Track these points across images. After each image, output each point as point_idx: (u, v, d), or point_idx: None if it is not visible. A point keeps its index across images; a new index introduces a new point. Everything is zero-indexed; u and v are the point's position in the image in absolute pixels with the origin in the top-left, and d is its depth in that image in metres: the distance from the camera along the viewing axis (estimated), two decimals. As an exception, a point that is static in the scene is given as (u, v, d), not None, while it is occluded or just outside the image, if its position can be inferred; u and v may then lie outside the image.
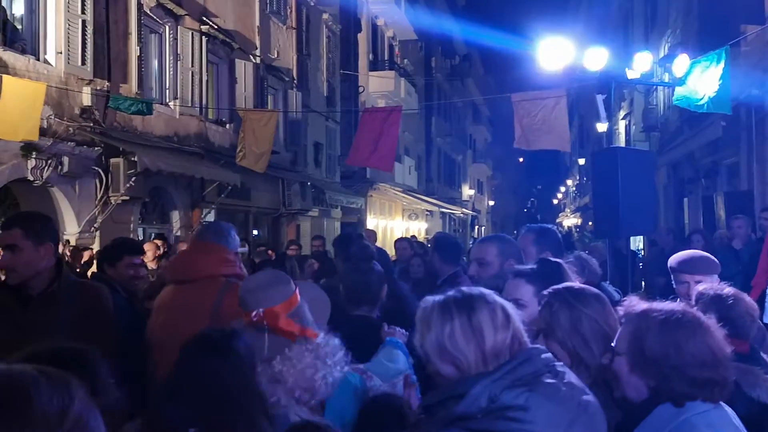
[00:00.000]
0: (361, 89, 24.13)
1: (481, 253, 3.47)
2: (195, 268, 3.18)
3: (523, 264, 2.98)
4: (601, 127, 26.52)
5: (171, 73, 12.92)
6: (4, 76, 8.34)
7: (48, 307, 2.92)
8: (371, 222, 24.70)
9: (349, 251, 5.52)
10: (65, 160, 9.79)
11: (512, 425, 1.56)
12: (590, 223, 28.68)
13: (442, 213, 37.08)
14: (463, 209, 42.99)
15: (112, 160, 10.69)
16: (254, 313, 2.22)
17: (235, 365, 1.93)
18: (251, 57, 15.71)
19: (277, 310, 2.22)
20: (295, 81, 18.13)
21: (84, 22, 10.31)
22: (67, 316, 2.90)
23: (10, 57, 9.14)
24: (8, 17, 9.42)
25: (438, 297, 1.79)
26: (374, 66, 26.08)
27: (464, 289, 1.81)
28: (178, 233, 12.74)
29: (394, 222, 29.47)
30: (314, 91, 19.99)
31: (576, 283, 2.40)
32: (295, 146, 18.04)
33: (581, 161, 44.46)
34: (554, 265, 2.69)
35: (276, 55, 17.09)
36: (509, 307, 1.77)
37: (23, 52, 9.43)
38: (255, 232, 16.79)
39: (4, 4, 9.27)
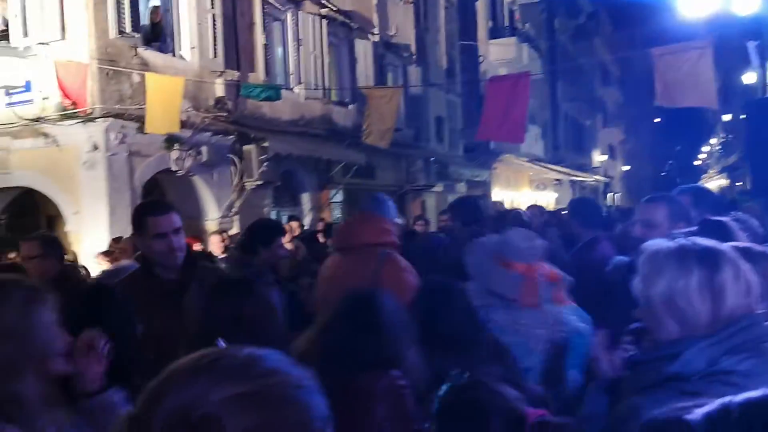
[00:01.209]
0: (481, 59, 23.69)
1: (649, 213, 3.26)
2: (355, 236, 3.32)
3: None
4: (750, 77, 24.38)
5: (294, 58, 13.34)
6: (147, 74, 9.00)
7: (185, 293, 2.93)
8: (497, 195, 24.36)
9: (467, 215, 5.31)
10: (203, 149, 10.42)
11: (730, 391, 1.49)
12: (738, 183, 26.60)
13: (572, 181, 35.83)
14: (595, 176, 41.31)
15: (245, 147, 11.25)
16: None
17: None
18: (369, 36, 15.87)
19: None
20: (414, 56, 18.11)
21: (213, 16, 10.86)
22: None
23: (150, 55, 9.84)
24: (148, 19, 10.13)
25: (670, 243, 1.65)
26: (494, 34, 25.47)
27: (703, 241, 1.65)
28: (309, 215, 13.23)
29: (521, 194, 28.88)
30: (433, 64, 19.87)
31: (742, 242, 2.26)
32: (417, 122, 18.08)
33: (726, 117, 41.19)
34: (718, 224, 2.55)
35: (394, 32, 17.14)
36: (750, 270, 1.61)
37: (161, 50, 10.11)
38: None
39: (140, 6, 9.97)
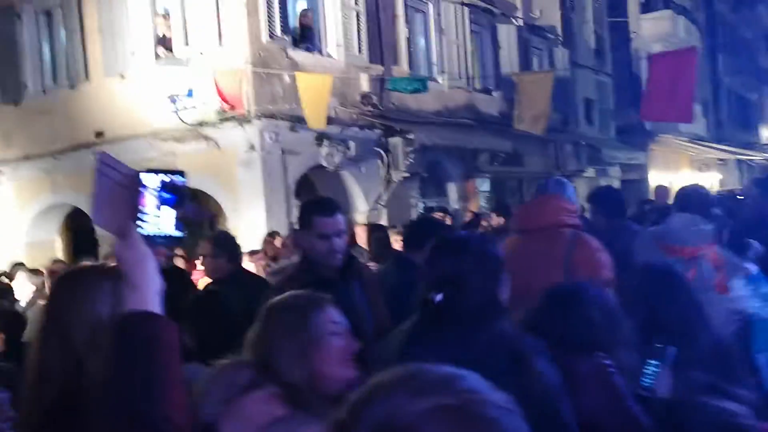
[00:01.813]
0: (632, 35, 22.30)
1: None
2: (539, 217, 3.23)
3: None
4: None
5: (437, 48, 13.26)
6: (297, 74, 9.31)
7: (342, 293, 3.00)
8: (654, 178, 22.86)
9: (611, 207, 4.86)
10: (351, 144, 10.64)
11: None
12: None
13: (738, 161, 32.91)
14: (764, 154, 37.65)
15: (391, 140, 11.34)
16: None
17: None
18: (513, 20, 15.44)
19: None
20: (560, 38, 17.40)
21: (357, 13, 11.03)
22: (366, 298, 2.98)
23: (299, 56, 10.18)
24: (297, 21, 10.49)
25: None
26: (646, 7, 23.86)
27: None
28: (456, 205, 13.12)
29: (681, 176, 26.91)
30: (581, 45, 18.99)
31: None
32: (565, 105, 17.35)
33: None
34: None
35: (538, 14, 16.55)
36: None
37: (309, 50, 10.43)
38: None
39: (289, 8, 10.33)
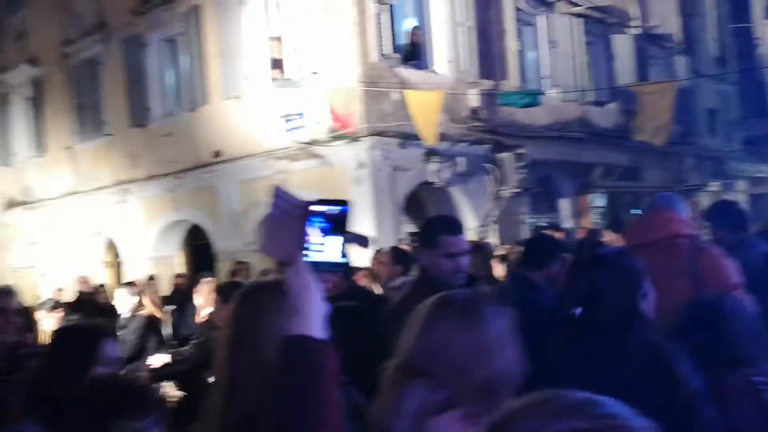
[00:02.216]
0: (757, 41, 20.88)
1: None
2: (652, 229, 3.17)
3: None
4: None
5: (547, 61, 12.93)
6: (407, 91, 9.33)
7: None
8: (786, 192, 21.15)
9: (729, 220, 4.47)
10: (460, 160, 10.52)
11: None
12: None
13: None
14: None
15: (501, 155, 11.13)
16: None
17: None
18: (628, 29, 14.82)
19: None
20: (679, 46, 16.53)
21: (467, 28, 10.95)
22: None
23: (408, 73, 10.22)
24: (406, 38, 10.54)
25: None
26: (774, 11, 22.30)
27: None
28: (568, 222, 12.67)
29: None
30: (702, 53, 17.97)
31: None
32: (686, 116, 16.40)
33: None
34: None
35: (657, 22, 15.82)
36: None
37: (417, 67, 10.45)
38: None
39: (397, 27, 10.40)
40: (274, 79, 10.54)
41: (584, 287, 2.04)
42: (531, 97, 10.55)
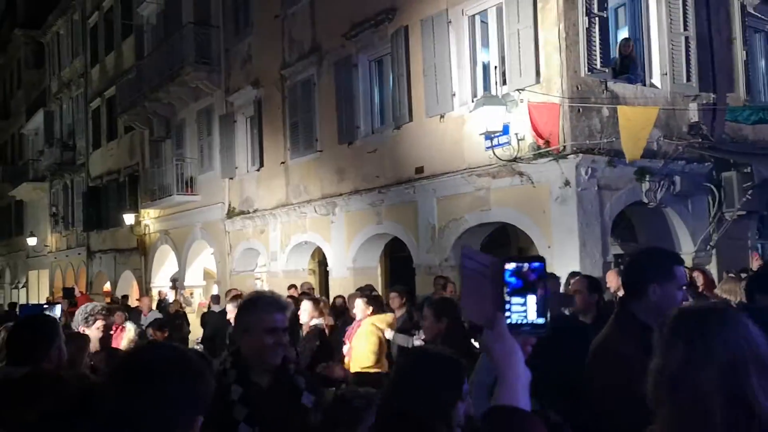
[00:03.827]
0: None
1: None
2: None
3: None
4: None
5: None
6: (619, 107, 8.87)
7: None
8: None
9: None
10: (676, 179, 9.78)
11: None
12: None
13: None
14: None
15: (724, 174, 10.17)
16: None
17: None
18: None
19: None
20: None
21: (686, 38, 10.19)
22: None
23: (619, 88, 9.71)
24: (617, 52, 10.03)
25: None
26: None
27: None
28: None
29: None
30: None
31: None
32: None
33: None
34: None
35: None
36: None
37: (630, 81, 9.88)
38: None
39: (610, 40, 9.92)
40: (478, 96, 10.57)
41: None
42: (763, 113, 9.49)
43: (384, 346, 7.28)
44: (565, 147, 9.38)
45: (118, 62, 23.61)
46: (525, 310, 1.29)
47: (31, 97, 32.56)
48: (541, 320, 1.29)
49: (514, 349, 1.26)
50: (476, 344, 4.82)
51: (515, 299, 1.29)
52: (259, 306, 2.60)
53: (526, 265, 1.31)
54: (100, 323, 4.70)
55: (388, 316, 7.51)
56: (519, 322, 1.29)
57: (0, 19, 37.96)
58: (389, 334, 7.10)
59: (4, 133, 37.37)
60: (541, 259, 1.32)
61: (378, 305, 7.68)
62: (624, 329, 2.71)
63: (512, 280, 1.30)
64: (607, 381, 2.54)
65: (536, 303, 1.29)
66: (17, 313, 11.33)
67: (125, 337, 6.76)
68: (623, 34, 10.39)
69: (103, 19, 25.12)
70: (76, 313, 4.98)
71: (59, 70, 29.84)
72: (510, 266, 1.31)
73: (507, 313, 1.29)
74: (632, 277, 2.77)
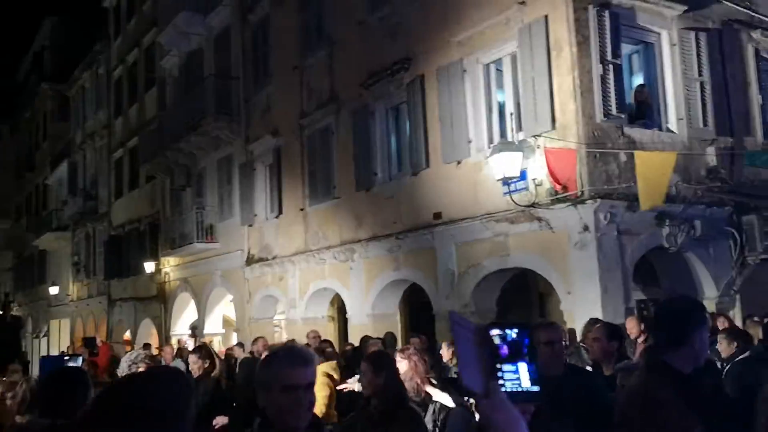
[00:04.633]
0: None
1: None
2: None
3: None
4: None
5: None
6: (636, 152, 8.89)
7: None
8: None
9: None
10: (697, 223, 9.73)
11: None
12: None
13: None
14: None
15: (744, 218, 10.10)
16: None
17: None
18: None
19: None
20: None
21: (701, 83, 10.25)
22: None
23: (636, 133, 9.76)
24: (633, 98, 10.11)
25: None
26: None
27: None
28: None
29: None
30: None
31: None
32: None
33: None
34: None
35: None
36: None
37: (646, 126, 9.93)
38: None
39: (625, 86, 10.01)
40: (494, 143, 10.66)
41: None
42: (784, 157, 9.49)
43: (333, 396, 7.19)
44: (583, 192, 9.39)
45: (141, 114, 24.18)
46: (518, 378, 1.27)
47: (56, 148, 33.34)
48: (535, 388, 1.27)
49: (517, 418, 1.22)
50: (415, 398, 4.76)
51: (507, 367, 1.27)
52: (275, 360, 2.33)
53: (511, 331, 1.29)
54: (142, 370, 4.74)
55: (333, 363, 7.59)
56: (514, 390, 1.26)
57: (27, 74, 39.17)
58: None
59: (29, 185, 38.14)
60: (527, 326, 1.31)
61: (320, 353, 7.77)
62: (660, 376, 2.72)
63: (501, 347, 1.28)
64: (646, 426, 2.58)
65: (527, 371, 1.27)
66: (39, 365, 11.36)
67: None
68: (638, 79, 10.48)
69: (127, 73, 25.83)
70: (122, 360, 5.07)
71: (83, 122, 30.60)
72: (495, 332, 1.29)
73: (500, 381, 1.26)
74: (675, 326, 2.73)
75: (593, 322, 7.17)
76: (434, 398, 4.94)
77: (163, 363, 12.54)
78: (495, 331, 1.30)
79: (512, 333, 1.29)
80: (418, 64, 12.16)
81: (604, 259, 9.28)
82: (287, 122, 15.83)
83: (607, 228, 9.37)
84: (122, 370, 4.79)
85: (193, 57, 20.33)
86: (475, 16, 11.01)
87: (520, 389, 1.26)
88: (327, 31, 14.65)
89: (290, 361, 2.29)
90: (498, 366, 1.27)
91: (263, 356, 2.75)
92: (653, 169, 8.69)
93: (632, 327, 7.53)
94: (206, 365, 6.63)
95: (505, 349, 1.28)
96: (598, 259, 9.24)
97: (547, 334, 3.73)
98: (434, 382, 5.04)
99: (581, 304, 9.28)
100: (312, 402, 2.27)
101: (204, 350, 7.11)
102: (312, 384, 2.30)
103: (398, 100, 12.93)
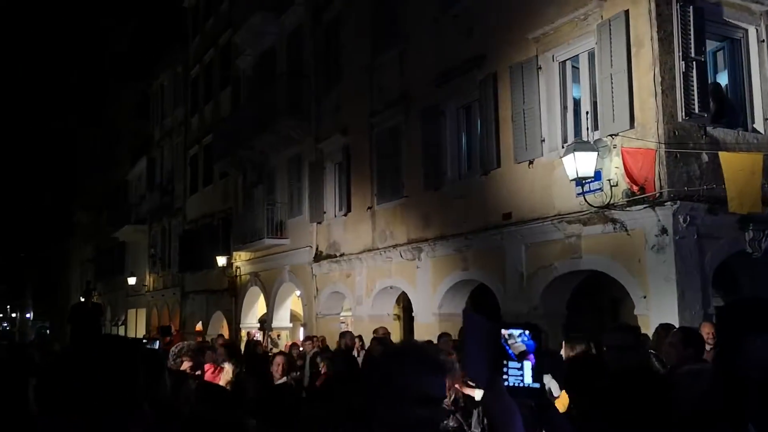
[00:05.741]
0: None
1: None
2: None
3: None
4: None
5: None
6: (721, 153, 8.51)
7: None
8: None
9: None
10: (784, 229, 9.23)
11: None
12: None
13: None
14: None
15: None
16: None
17: None
18: None
19: None
20: None
21: (792, 81, 9.74)
22: None
23: (719, 133, 9.35)
24: (715, 96, 9.69)
25: None
26: None
27: None
28: None
29: None
30: None
31: None
32: None
33: None
34: None
35: None
36: None
37: (730, 126, 9.50)
38: None
39: (708, 85, 9.60)
40: (568, 142, 10.42)
41: None
42: None
43: None
44: (661, 193, 9.07)
45: (216, 111, 24.86)
46: (522, 374, 1.36)
47: (136, 145, 34.68)
48: (536, 385, 1.35)
49: (513, 409, 1.29)
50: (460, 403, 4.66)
51: (512, 363, 1.37)
52: (406, 365, 1.70)
53: (519, 331, 1.39)
54: (186, 364, 4.81)
55: None
56: (516, 385, 1.35)
57: (110, 72, 40.91)
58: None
59: (111, 180, 39.83)
60: (535, 327, 1.41)
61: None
62: (727, 384, 2.59)
63: (508, 345, 1.38)
64: None
65: (531, 369, 1.36)
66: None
67: (222, 378, 6.68)
68: (723, 77, 10.04)
69: (204, 71, 26.61)
70: (170, 351, 5.13)
71: (162, 120, 31.71)
72: (506, 332, 1.40)
73: (504, 376, 1.36)
74: (733, 330, 2.58)
75: (664, 327, 6.92)
76: (476, 399, 4.78)
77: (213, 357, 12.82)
78: (505, 331, 1.42)
79: (522, 333, 1.40)
80: (490, 62, 12.02)
81: (683, 263, 8.93)
82: (356, 121, 15.94)
83: (687, 231, 9.01)
84: (169, 362, 4.85)
85: (267, 56, 20.75)
86: (552, 13, 10.79)
87: (521, 385, 1.36)
88: (399, 29, 14.66)
89: (426, 366, 1.67)
90: (504, 362, 1.38)
91: (383, 353, 2.26)
92: (741, 171, 8.31)
93: (707, 332, 7.22)
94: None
95: (515, 348, 1.38)
96: (676, 263, 8.90)
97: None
98: (471, 383, 4.86)
99: (657, 309, 8.96)
100: (442, 419, 2.10)
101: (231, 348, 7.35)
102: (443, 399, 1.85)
103: (470, 99, 12.81)
